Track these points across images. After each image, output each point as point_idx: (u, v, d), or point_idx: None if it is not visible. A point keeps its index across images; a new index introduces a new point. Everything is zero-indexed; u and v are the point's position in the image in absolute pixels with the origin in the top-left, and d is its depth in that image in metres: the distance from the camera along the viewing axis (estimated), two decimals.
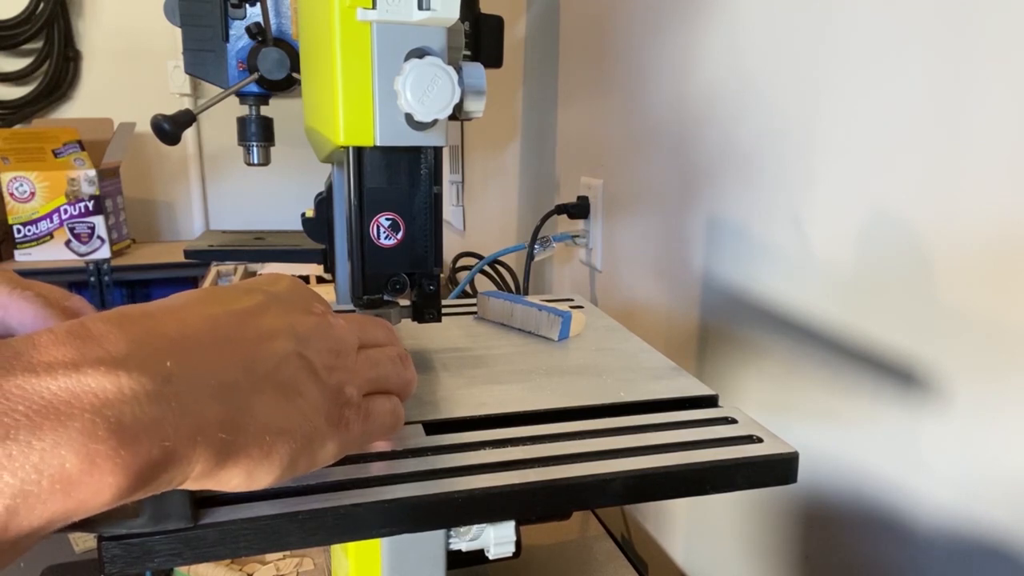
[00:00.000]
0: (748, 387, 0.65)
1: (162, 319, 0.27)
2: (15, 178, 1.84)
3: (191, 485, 0.26)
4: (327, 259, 0.73)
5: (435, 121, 0.41)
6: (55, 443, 0.21)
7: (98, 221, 1.90)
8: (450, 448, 0.39)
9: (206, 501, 0.32)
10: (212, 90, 0.84)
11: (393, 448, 0.38)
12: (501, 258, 1.06)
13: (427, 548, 0.44)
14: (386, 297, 0.46)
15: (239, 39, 0.83)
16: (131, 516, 0.30)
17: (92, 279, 1.91)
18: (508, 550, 0.45)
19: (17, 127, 2.09)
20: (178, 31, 0.83)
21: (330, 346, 0.32)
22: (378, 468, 0.36)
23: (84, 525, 0.23)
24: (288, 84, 0.83)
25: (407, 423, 0.40)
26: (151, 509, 0.30)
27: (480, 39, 0.78)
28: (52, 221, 1.88)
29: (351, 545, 0.45)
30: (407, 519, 0.34)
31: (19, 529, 0.21)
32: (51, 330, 0.24)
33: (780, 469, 0.39)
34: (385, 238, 0.45)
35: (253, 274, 1.56)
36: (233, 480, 0.27)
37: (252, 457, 0.27)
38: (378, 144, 0.41)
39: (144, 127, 0.90)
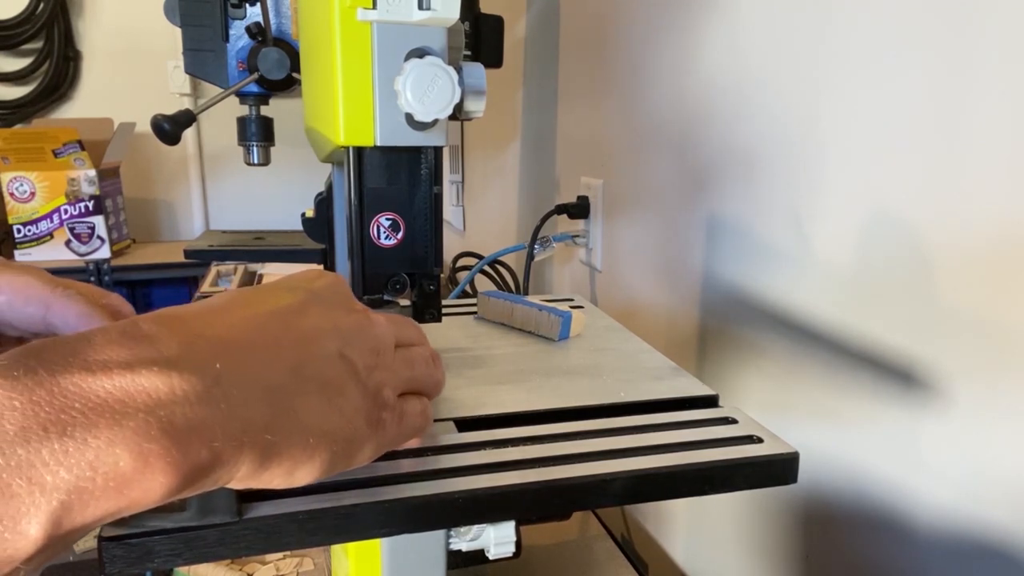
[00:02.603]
0: (748, 387, 0.65)
1: (210, 321, 0.28)
2: (15, 178, 1.84)
3: (235, 485, 0.27)
4: (327, 259, 0.73)
5: (435, 121, 0.41)
6: (110, 441, 0.22)
7: (98, 221, 1.90)
8: (450, 448, 0.39)
9: (250, 495, 0.32)
10: (212, 90, 0.84)
11: (421, 447, 0.39)
12: (501, 258, 1.06)
13: (427, 548, 0.44)
14: (386, 297, 0.46)
15: (239, 39, 0.83)
16: (177, 510, 0.30)
17: (92, 279, 1.91)
18: (508, 550, 0.45)
19: (17, 127, 2.09)
20: (178, 31, 0.83)
21: (371, 345, 0.32)
22: (381, 467, 0.36)
23: (130, 518, 0.24)
24: (288, 84, 0.83)
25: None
26: (197, 503, 0.30)
27: (480, 39, 0.78)
28: (52, 221, 1.88)
29: (351, 545, 0.44)
30: (407, 519, 0.34)
31: (72, 524, 0.22)
32: (104, 330, 0.24)
33: (780, 469, 0.39)
34: (385, 238, 0.45)
35: (253, 274, 1.56)
36: (275, 480, 0.28)
37: (295, 459, 0.28)
38: (378, 144, 0.41)
39: (144, 127, 0.90)
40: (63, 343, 0.23)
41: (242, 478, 0.26)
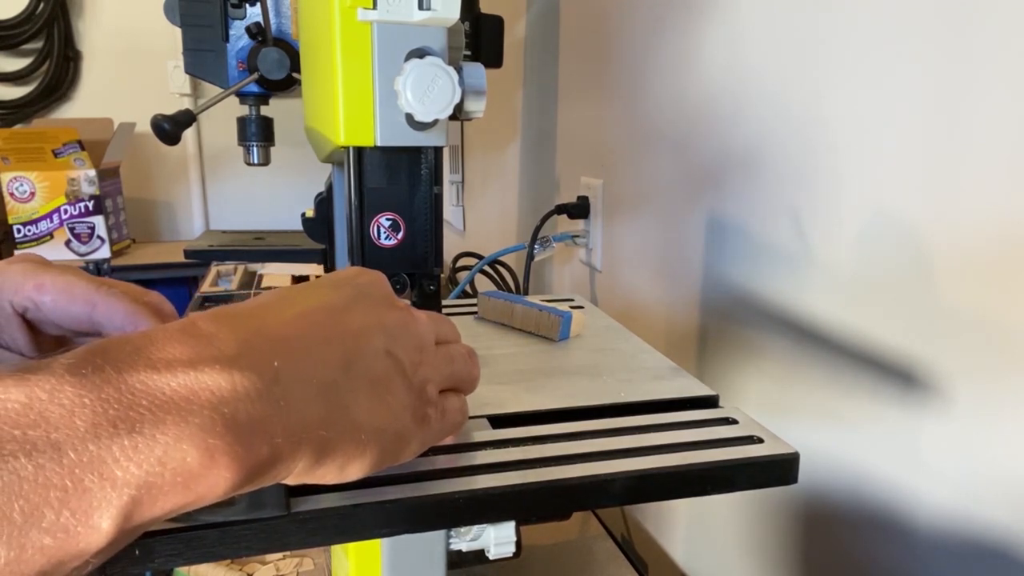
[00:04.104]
0: (748, 387, 0.65)
1: (264, 319, 0.28)
2: (15, 178, 1.84)
3: (290, 480, 0.27)
4: (327, 259, 0.73)
5: (435, 121, 0.41)
6: (177, 437, 0.22)
7: (98, 221, 1.90)
8: (450, 448, 0.39)
9: (298, 490, 0.32)
10: (212, 90, 0.84)
11: (458, 443, 0.39)
12: (501, 258, 1.06)
13: (427, 548, 0.44)
14: None
15: (239, 39, 0.83)
16: (227, 505, 0.30)
17: None
18: (508, 550, 0.45)
19: (17, 127, 2.09)
20: (178, 31, 0.83)
21: (415, 342, 0.33)
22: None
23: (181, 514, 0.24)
24: (288, 84, 0.83)
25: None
26: (248, 499, 0.31)
27: (480, 39, 0.78)
28: (52, 221, 1.88)
29: (351, 545, 0.44)
30: (407, 519, 0.34)
31: (140, 519, 0.22)
32: (164, 329, 0.25)
33: (781, 470, 0.39)
34: (385, 238, 0.45)
35: (253, 274, 1.56)
36: (328, 476, 0.28)
37: (348, 455, 0.28)
38: (378, 144, 0.41)
39: (144, 127, 0.90)
40: (127, 342, 0.24)
41: (298, 474, 0.27)
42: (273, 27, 0.82)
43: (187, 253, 1.27)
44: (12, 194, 1.85)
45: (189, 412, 0.23)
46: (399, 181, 0.44)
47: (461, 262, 1.23)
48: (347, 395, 0.28)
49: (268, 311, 0.29)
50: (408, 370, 0.32)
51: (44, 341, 0.35)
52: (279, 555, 0.71)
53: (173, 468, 0.22)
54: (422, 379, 0.32)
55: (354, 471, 0.29)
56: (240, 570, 0.69)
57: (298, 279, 1.52)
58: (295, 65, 0.82)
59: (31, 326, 0.35)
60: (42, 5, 2.06)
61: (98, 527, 0.21)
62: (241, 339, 0.26)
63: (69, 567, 0.21)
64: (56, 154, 1.89)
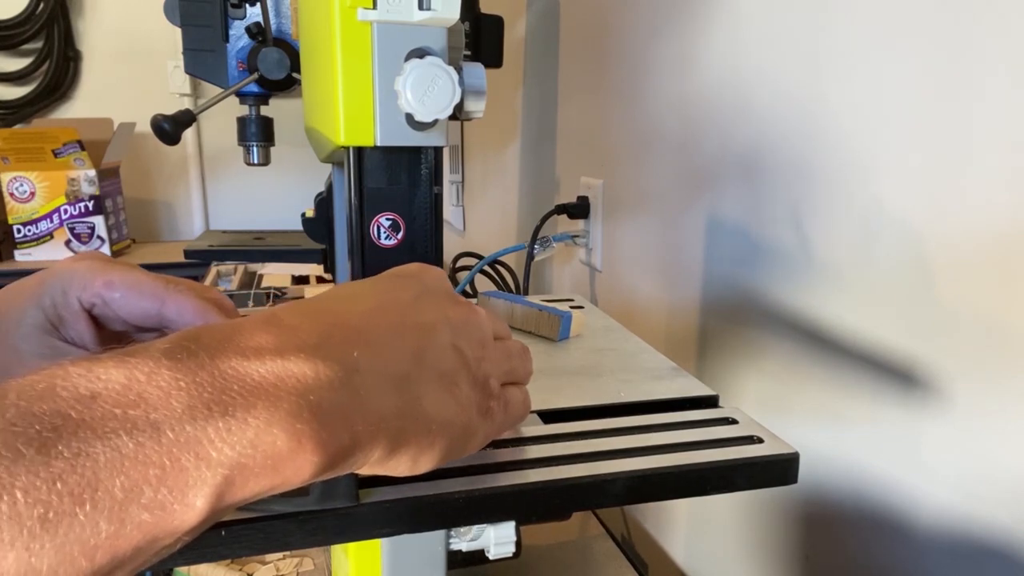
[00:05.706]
0: (748, 387, 0.65)
1: (341, 312, 0.29)
2: (15, 178, 1.84)
3: (365, 471, 0.28)
4: (327, 259, 0.73)
5: (435, 121, 0.41)
6: (268, 421, 0.23)
7: (98, 221, 1.90)
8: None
9: (367, 481, 0.33)
10: (212, 90, 0.83)
11: (516, 437, 0.40)
12: (501, 258, 1.06)
13: (427, 548, 0.44)
14: None
15: (239, 39, 0.83)
16: (301, 494, 0.31)
17: None
18: (508, 550, 0.45)
19: (17, 127, 2.09)
20: (178, 31, 0.82)
21: (478, 337, 0.33)
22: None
23: (255, 502, 0.24)
24: (288, 84, 0.83)
25: None
26: (321, 488, 0.31)
27: (480, 39, 0.78)
28: (52, 221, 1.88)
29: (351, 545, 0.44)
30: (407, 519, 0.34)
31: (232, 499, 0.22)
32: (250, 319, 0.26)
33: (781, 470, 0.39)
34: (385, 238, 0.45)
35: (253, 274, 1.56)
36: (400, 467, 0.29)
37: (420, 446, 0.29)
38: (378, 144, 0.41)
39: (144, 127, 0.90)
40: (217, 330, 0.25)
41: (372, 464, 0.27)
42: (273, 27, 0.82)
43: (187, 253, 1.27)
44: (12, 194, 1.85)
45: (278, 398, 0.23)
46: (399, 181, 0.44)
47: (461, 262, 1.23)
48: (419, 387, 0.29)
49: (343, 304, 0.30)
50: (472, 364, 0.32)
51: (107, 337, 0.36)
52: (279, 555, 0.71)
53: (264, 451, 0.23)
54: (485, 373, 0.33)
55: (425, 463, 0.30)
56: (240, 570, 0.69)
57: (298, 279, 1.52)
58: (295, 65, 0.82)
59: (96, 322, 0.36)
60: (42, 5, 2.06)
61: (193, 505, 0.21)
62: (322, 331, 0.27)
63: (162, 544, 0.21)
64: (56, 154, 1.89)
